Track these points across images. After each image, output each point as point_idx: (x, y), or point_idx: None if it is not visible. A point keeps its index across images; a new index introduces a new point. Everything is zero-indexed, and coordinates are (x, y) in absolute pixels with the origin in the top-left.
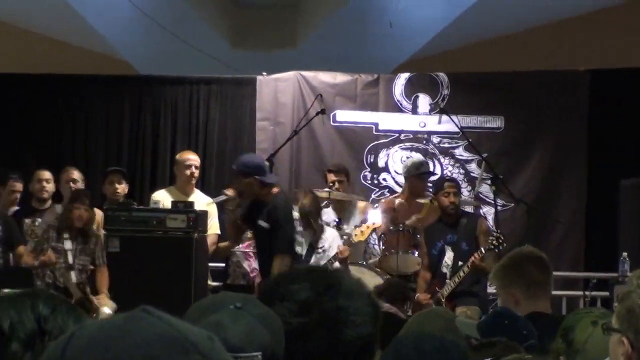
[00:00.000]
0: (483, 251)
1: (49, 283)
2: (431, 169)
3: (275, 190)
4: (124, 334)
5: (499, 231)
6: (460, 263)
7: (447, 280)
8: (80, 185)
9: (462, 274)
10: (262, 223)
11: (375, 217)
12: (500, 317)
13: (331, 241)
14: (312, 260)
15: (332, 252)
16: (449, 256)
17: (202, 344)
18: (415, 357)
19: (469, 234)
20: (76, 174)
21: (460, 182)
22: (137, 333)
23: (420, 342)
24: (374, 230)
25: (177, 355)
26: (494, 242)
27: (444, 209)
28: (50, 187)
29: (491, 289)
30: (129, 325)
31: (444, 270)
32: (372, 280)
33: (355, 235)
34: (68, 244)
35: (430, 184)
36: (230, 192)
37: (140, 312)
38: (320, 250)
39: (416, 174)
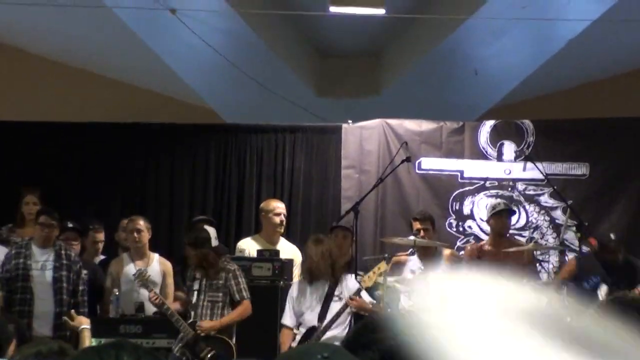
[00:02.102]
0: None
1: (192, 322)
2: (513, 209)
3: None
4: None
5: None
6: None
7: None
8: (146, 234)
9: None
10: None
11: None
12: None
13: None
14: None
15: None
16: (604, 292)
17: None
18: None
19: None
20: (142, 223)
21: (545, 229)
22: None
23: None
24: (381, 274)
25: None
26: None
27: None
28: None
29: None
30: None
31: None
32: None
33: (363, 281)
34: (195, 284)
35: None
36: None
37: None
38: (336, 298)
39: (492, 213)
